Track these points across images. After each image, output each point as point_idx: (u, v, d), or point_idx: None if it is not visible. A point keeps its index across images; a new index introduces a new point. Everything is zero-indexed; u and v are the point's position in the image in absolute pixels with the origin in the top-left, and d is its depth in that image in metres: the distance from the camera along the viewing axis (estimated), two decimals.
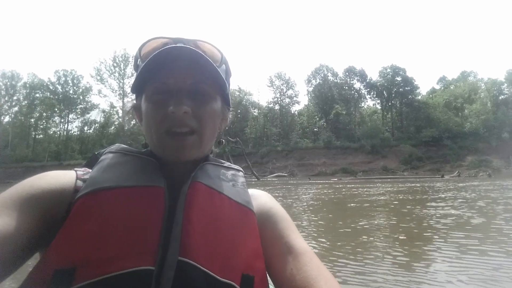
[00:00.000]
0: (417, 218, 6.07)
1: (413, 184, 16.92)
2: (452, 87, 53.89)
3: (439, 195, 10.30)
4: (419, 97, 53.37)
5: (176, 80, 0.57)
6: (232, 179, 0.66)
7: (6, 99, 52.44)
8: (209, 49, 0.62)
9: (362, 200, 9.59)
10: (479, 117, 43.95)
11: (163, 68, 0.57)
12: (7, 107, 52.82)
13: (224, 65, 0.65)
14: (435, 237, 4.49)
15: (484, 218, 5.86)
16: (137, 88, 0.62)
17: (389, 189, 13.91)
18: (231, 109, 0.71)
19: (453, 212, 6.54)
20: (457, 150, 39.66)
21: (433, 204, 8.02)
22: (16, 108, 53.23)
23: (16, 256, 0.45)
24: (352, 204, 8.58)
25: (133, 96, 0.68)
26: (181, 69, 0.57)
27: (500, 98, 47.08)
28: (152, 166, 0.60)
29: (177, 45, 0.57)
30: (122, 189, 0.53)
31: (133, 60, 0.65)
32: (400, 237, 4.57)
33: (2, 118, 52.58)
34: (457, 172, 28.73)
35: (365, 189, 13.92)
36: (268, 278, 0.59)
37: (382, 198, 10.03)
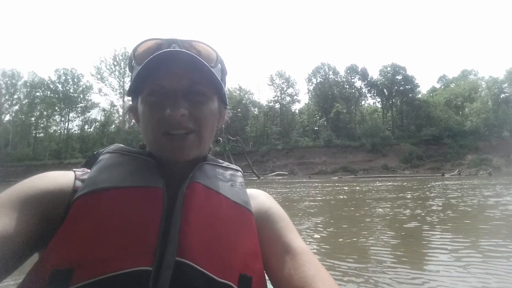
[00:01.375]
0: (418, 215, 6.09)
1: (414, 183, 16.94)
2: (452, 86, 53.76)
3: (442, 193, 10.32)
4: (420, 96, 53.24)
5: (172, 82, 0.57)
6: (230, 179, 0.66)
7: (7, 97, 52.36)
8: (204, 49, 0.62)
9: (362, 198, 9.61)
10: (479, 116, 43.88)
11: (158, 70, 0.57)
12: (7, 106, 52.78)
13: (219, 64, 0.65)
14: (436, 233, 4.51)
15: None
16: (133, 90, 0.62)
17: (390, 187, 13.93)
18: (228, 107, 0.71)
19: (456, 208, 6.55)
20: (457, 148, 39.69)
21: (436, 201, 8.05)
22: (16, 107, 53.16)
23: (15, 256, 0.45)
24: (352, 201, 8.62)
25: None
26: (177, 70, 0.57)
27: (501, 96, 46.99)
28: (150, 166, 0.60)
29: (172, 48, 0.57)
30: (120, 189, 0.53)
31: (128, 62, 0.65)
32: (400, 233, 4.60)
33: (2, 117, 52.57)
34: (457, 170, 28.72)
35: (365, 188, 13.94)
36: (267, 278, 0.59)
37: (382, 195, 10.06)
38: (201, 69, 0.58)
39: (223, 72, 0.67)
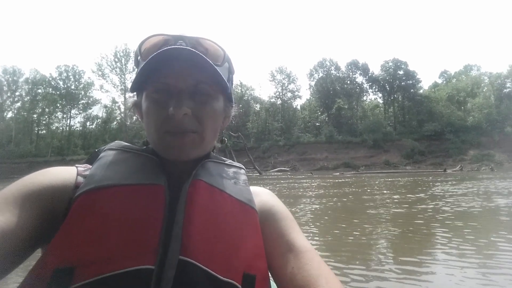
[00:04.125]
0: (421, 212, 6.12)
1: (416, 178, 16.94)
2: (454, 81, 53.32)
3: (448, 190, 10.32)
4: (421, 91, 52.80)
5: (177, 80, 0.56)
6: (233, 177, 0.66)
7: (9, 94, 52.53)
8: (211, 47, 0.61)
9: (364, 193, 9.64)
10: (482, 111, 43.59)
11: (163, 67, 0.56)
12: (9, 103, 52.97)
13: (227, 62, 0.64)
14: (438, 231, 4.53)
15: None
16: (137, 86, 0.60)
17: (392, 182, 13.93)
18: (234, 105, 0.70)
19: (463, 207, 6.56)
20: (459, 144, 39.50)
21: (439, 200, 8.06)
22: (18, 104, 53.39)
23: (17, 252, 0.45)
24: (354, 197, 8.65)
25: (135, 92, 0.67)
26: (182, 69, 0.56)
27: (504, 91, 46.64)
28: (152, 163, 0.59)
29: (177, 45, 0.56)
30: (122, 187, 0.52)
31: (134, 57, 0.64)
32: (404, 230, 4.62)
33: (5, 113, 52.74)
34: (459, 166, 28.70)
35: (366, 183, 13.96)
36: (270, 276, 0.59)
37: (384, 191, 10.09)
38: (207, 68, 0.56)
39: (230, 70, 0.66)
